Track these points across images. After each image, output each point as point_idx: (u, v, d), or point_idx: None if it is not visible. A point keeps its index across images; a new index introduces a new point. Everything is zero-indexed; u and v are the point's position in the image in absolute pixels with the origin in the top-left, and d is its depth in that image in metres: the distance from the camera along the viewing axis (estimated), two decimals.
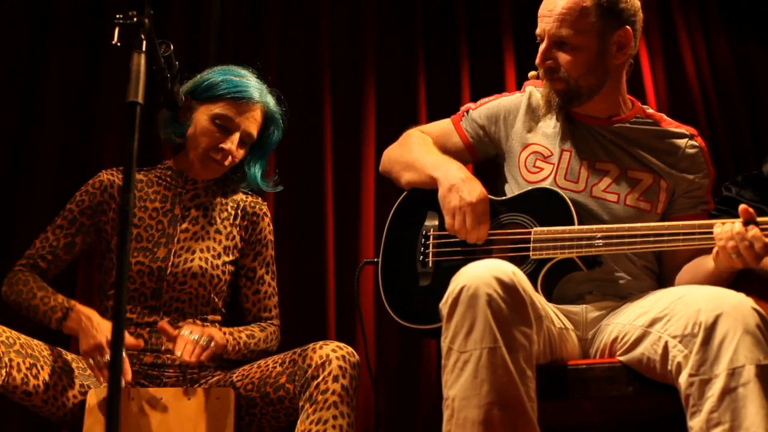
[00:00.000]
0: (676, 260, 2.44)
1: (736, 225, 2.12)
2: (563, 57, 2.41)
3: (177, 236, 2.60)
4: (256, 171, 2.76)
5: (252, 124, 2.65)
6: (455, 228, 2.40)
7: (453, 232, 2.42)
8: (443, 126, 2.74)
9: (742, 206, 2.13)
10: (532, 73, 2.46)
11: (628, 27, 2.42)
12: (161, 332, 2.41)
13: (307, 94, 3.68)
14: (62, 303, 2.43)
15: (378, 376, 3.41)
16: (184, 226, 2.63)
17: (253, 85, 2.66)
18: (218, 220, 2.68)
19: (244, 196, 2.78)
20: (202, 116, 2.61)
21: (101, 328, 2.34)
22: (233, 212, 2.72)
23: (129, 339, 2.40)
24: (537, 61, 2.46)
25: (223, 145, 2.59)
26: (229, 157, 2.62)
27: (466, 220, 2.38)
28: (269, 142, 2.77)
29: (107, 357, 2.29)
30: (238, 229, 2.71)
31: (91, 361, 2.33)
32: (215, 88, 2.62)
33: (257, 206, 2.77)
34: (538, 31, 2.45)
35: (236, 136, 2.61)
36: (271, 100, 2.72)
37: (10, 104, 3.40)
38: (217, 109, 2.60)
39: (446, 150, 2.64)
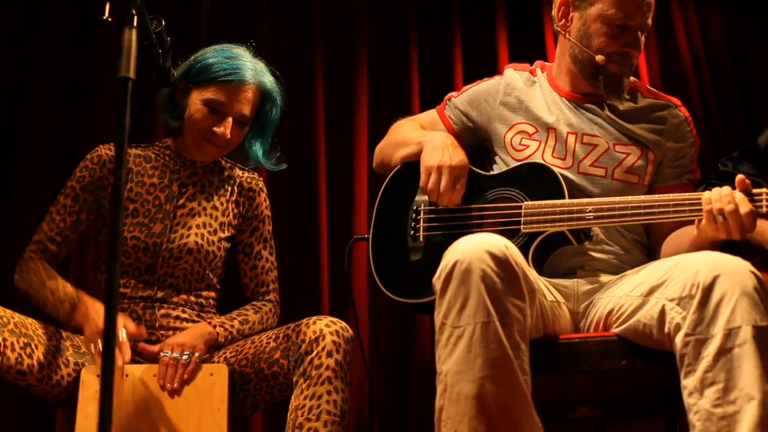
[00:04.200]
0: (663, 231, 2.46)
1: (724, 189, 2.13)
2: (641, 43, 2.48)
3: (174, 212, 2.60)
4: (258, 149, 2.74)
5: (245, 105, 2.60)
6: (429, 187, 2.41)
7: (426, 192, 2.44)
8: (429, 116, 2.77)
9: (739, 176, 2.13)
10: (600, 57, 2.45)
11: None
12: (143, 353, 2.43)
13: (299, 70, 3.67)
14: (71, 295, 2.43)
15: (372, 350, 3.42)
16: (181, 202, 2.62)
17: (245, 66, 2.60)
18: (215, 197, 2.68)
19: (240, 172, 2.77)
20: (196, 100, 2.58)
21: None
22: (230, 188, 2.72)
23: (131, 327, 2.39)
24: (637, 51, 2.47)
25: (216, 129, 2.56)
26: (224, 142, 2.59)
27: (441, 180, 2.39)
28: (267, 120, 2.72)
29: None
30: (234, 204, 2.71)
31: (92, 346, 2.34)
32: (207, 71, 2.58)
33: (253, 182, 2.77)
34: (631, 22, 2.43)
35: (229, 120, 2.58)
36: (267, 79, 2.67)
37: (2, 80, 3.39)
38: (209, 93, 2.56)
39: None
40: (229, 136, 2.58)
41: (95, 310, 2.36)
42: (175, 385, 2.34)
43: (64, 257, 2.61)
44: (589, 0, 2.47)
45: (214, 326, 2.51)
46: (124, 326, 2.36)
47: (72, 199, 2.58)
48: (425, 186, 2.43)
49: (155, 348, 2.42)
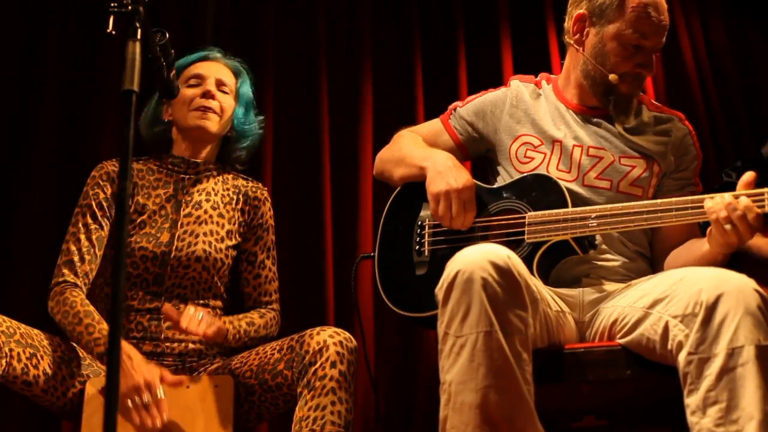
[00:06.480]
0: (668, 243, 2.46)
1: (726, 196, 2.12)
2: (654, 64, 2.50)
3: (180, 221, 2.61)
4: (240, 116, 2.80)
5: (221, 71, 2.76)
6: (439, 214, 2.42)
7: (437, 219, 2.44)
8: (432, 126, 2.77)
9: (742, 180, 2.13)
10: (613, 77, 2.45)
11: None
12: (165, 316, 2.42)
13: (304, 86, 3.67)
14: (106, 336, 2.37)
15: (378, 363, 3.42)
16: (187, 210, 2.63)
17: (211, 50, 2.80)
18: (221, 205, 2.69)
19: (244, 182, 2.79)
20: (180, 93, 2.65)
21: (140, 368, 2.30)
22: (235, 197, 2.74)
23: (169, 378, 2.36)
24: (649, 72, 2.50)
25: (205, 91, 2.68)
26: (213, 100, 2.68)
27: (452, 205, 2.40)
28: (242, 91, 2.82)
29: (146, 398, 2.27)
30: (240, 213, 2.73)
31: (129, 402, 2.27)
32: (182, 66, 2.74)
33: (258, 191, 2.79)
34: (647, 43, 2.45)
35: (211, 80, 2.71)
36: (231, 58, 2.84)
37: (7, 95, 3.40)
38: (187, 75, 2.71)
39: (437, 149, 2.65)
40: (215, 93, 2.69)
41: (128, 356, 2.31)
42: (199, 330, 2.38)
43: (94, 277, 2.57)
44: (607, 18, 2.46)
45: (224, 322, 2.52)
46: (162, 377, 2.34)
47: (91, 217, 2.56)
48: (435, 213, 2.43)
49: (178, 313, 2.41)
